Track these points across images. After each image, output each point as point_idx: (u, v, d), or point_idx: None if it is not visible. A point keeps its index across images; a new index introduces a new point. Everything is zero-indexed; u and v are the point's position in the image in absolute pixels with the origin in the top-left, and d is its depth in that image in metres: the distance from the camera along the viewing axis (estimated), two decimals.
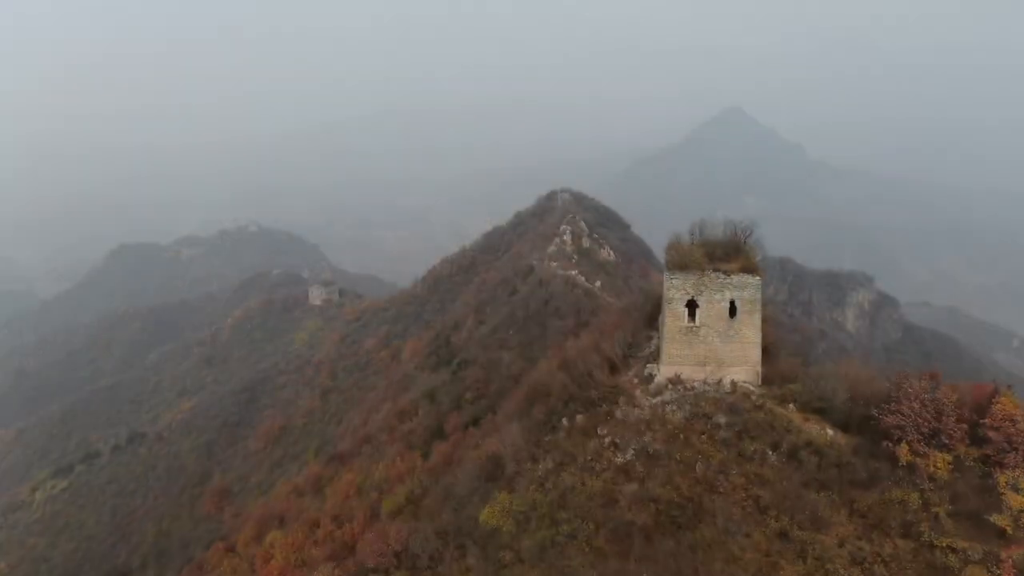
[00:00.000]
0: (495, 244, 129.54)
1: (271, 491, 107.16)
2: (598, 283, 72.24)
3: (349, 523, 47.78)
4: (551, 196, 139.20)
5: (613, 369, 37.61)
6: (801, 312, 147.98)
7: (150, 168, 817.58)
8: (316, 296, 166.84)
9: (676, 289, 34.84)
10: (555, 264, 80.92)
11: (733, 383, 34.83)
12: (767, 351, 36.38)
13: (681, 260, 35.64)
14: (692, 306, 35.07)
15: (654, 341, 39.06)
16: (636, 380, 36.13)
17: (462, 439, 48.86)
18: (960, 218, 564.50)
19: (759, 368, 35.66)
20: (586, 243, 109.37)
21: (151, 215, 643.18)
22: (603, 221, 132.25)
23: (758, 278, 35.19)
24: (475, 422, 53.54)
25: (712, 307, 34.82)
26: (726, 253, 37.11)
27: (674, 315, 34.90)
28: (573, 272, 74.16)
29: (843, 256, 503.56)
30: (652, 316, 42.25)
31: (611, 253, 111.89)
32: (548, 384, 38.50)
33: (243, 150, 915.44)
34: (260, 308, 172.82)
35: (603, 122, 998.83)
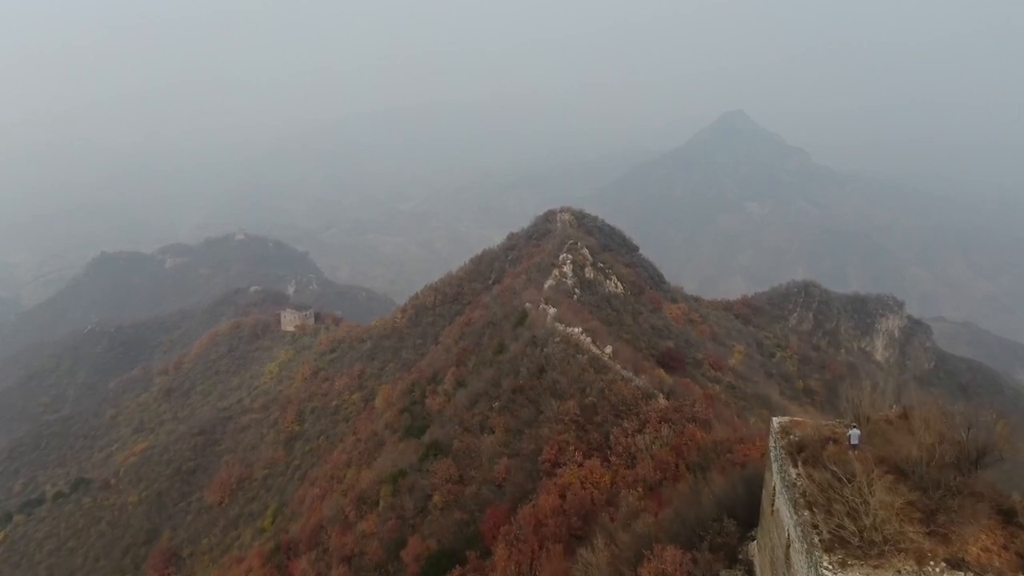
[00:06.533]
0: (484, 271, 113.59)
1: (222, 558, 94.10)
2: (609, 348, 55.70)
3: None
4: (549, 216, 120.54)
5: None
6: (828, 343, 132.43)
7: (146, 170, 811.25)
8: (289, 321, 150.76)
9: None
10: (552, 312, 64.76)
11: None
12: None
13: (861, 533, 13.96)
14: None
15: None
16: None
17: None
18: (964, 222, 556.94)
19: None
20: (590, 274, 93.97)
21: (146, 218, 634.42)
22: (608, 244, 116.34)
23: None
24: (440, 566, 38.38)
25: None
26: (959, 500, 14.51)
27: None
28: (576, 330, 57.85)
29: (847, 263, 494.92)
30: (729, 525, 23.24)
31: (618, 284, 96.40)
32: None
33: (243, 150, 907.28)
34: (228, 333, 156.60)
35: (603, 126, 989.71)
